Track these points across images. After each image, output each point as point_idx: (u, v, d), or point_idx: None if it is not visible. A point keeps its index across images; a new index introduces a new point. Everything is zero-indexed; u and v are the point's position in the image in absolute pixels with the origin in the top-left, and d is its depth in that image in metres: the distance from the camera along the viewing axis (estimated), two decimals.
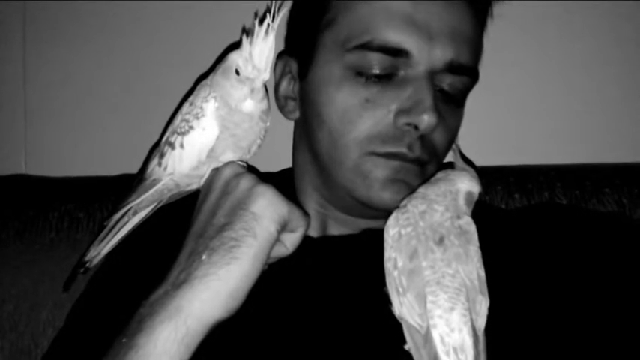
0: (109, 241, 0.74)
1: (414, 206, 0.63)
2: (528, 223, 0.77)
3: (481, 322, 0.58)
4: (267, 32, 0.64)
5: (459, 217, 0.62)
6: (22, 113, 1.16)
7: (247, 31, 0.65)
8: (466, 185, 0.65)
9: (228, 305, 0.61)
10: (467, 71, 0.74)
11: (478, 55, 0.77)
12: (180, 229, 0.69)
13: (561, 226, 0.75)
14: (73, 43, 1.13)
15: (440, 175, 0.67)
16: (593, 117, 1.07)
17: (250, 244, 0.62)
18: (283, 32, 0.86)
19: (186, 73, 1.10)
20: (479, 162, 1.03)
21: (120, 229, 0.74)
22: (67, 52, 1.13)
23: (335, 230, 0.80)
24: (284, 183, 0.83)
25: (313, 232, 0.79)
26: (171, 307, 0.60)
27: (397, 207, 0.65)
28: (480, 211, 0.68)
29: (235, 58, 0.65)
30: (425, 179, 0.73)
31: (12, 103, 1.15)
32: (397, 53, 0.72)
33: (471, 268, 0.59)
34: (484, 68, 0.82)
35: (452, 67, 0.73)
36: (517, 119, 1.08)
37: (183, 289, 0.61)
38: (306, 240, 0.68)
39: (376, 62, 0.72)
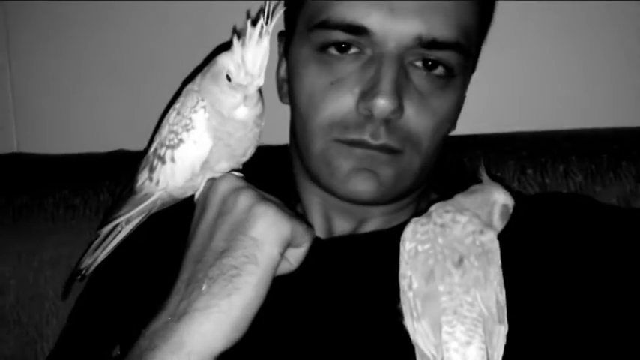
0: (104, 249, 0.71)
1: (439, 215, 0.59)
2: (549, 230, 0.72)
3: (497, 356, 0.54)
4: (260, 35, 0.57)
5: (482, 232, 0.58)
6: (9, 87, 1.11)
7: (239, 33, 0.58)
8: (503, 198, 0.61)
9: (232, 336, 0.58)
10: (446, 46, 0.67)
11: (464, 27, 0.68)
12: (175, 233, 0.66)
13: (585, 236, 0.70)
14: (61, 11, 1.07)
15: (475, 187, 0.62)
16: (610, 78, 1.01)
17: (252, 272, 0.58)
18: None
19: (183, 45, 1.06)
20: (488, 129, 0.98)
21: (114, 238, 0.70)
22: (54, 19, 1.08)
23: (340, 222, 0.76)
24: (285, 162, 0.79)
25: (319, 230, 0.74)
26: (173, 342, 0.57)
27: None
28: None
29: (226, 63, 0.59)
30: (403, 168, 0.69)
31: None
32: (357, 31, 0.67)
33: (489, 294, 0.55)
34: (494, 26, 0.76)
35: (424, 43, 0.66)
36: (530, 80, 1.02)
37: (184, 321, 0.58)
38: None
39: (337, 41, 0.68)
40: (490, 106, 0.79)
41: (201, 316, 0.57)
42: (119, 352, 0.69)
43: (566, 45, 1.01)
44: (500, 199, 0.61)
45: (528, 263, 0.67)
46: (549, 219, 0.73)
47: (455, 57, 0.68)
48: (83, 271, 0.73)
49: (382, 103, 0.65)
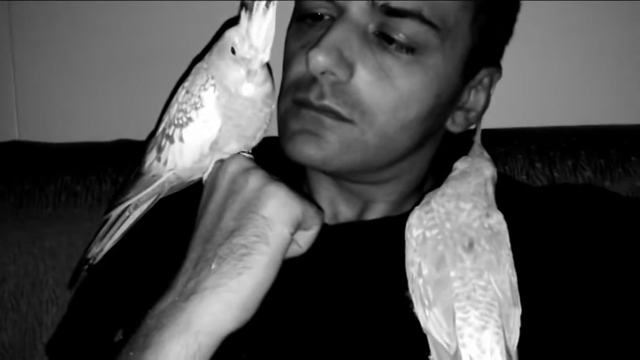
0: (111, 237, 0.69)
1: (439, 204, 0.58)
2: (562, 217, 0.71)
3: (514, 340, 0.53)
4: (267, 6, 0.57)
5: (488, 215, 0.57)
6: (12, 75, 1.10)
7: (246, 5, 0.58)
8: (490, 170, 0.60)
9: (241, 317, 0.57)
10: (403, 13, 0.65)
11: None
12: (184, 218, 0.65)
13: (597, 223, 0.69)
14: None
15: (462, 165, 0.61)
16: (620, 74, 1.00)
17: (263, 251, 0.57)
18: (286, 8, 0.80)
19: (188, 31, 1.05)
20: (497, 123, 0.97)
21: (121, 224, 0.68)
22: (57, 7, 1.07)
23: (343, 208, 0.75)
24: None
25: (326, 216, 0.73)
26: (181, 321, 0.56)
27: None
28: (506, 189, 0.63)
29: (232, 36, 0.59)
30: (352, 138, 0.67)
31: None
32: None
33: (503, 277, 0.54)
34: None
35: (380, 7, 0.65)
36: (539, 75, 1.01)
37: (193, 301, 0.56)
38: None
39: (308, 6, 0.68)
40: (499, 100, 0.78)
41: (211, 295, 0.56)
42: (122, 337, 0.68)
43: (576, 40, 1.00)
44: (488, 173, 0.60)
45: (538, 248, 0.66)
46: (560, 207, 0.72)
47: (417, 28, 0.65)
48: (90, 260, 0.71)
49: (311, 55, 0.64)
